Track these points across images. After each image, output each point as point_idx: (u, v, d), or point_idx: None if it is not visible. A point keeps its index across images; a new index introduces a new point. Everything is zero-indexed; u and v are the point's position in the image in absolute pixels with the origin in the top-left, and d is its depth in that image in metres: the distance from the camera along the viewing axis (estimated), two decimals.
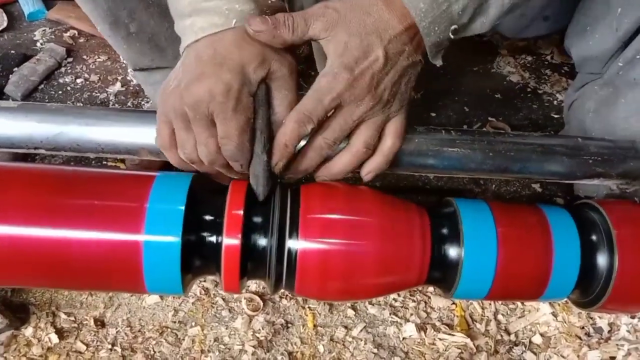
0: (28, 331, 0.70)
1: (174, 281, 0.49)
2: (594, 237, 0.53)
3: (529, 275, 0.51)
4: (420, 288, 0.77)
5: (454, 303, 0.76)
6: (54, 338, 0.69)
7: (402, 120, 0.53)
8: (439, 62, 0.53)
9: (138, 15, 0.67)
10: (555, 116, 0.97)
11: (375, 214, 0.50)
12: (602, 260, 0.52)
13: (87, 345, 0.69)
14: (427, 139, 0.57)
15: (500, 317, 0.74)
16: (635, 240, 0.52)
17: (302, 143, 0.50)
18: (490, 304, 0.75)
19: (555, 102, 1.00)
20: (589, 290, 0.54)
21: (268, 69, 0.48)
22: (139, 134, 0.55)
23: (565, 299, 0.55)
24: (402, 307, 0.76)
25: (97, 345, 0.69)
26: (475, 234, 0.50)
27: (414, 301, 0.77)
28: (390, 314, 0.75)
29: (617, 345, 0.71)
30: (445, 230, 0.51)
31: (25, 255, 0.47)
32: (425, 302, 0.77)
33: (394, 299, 0.77)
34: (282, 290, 0.75)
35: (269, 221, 0.49)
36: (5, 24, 1.07)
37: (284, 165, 0.50)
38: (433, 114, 0.96)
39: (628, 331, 0.72)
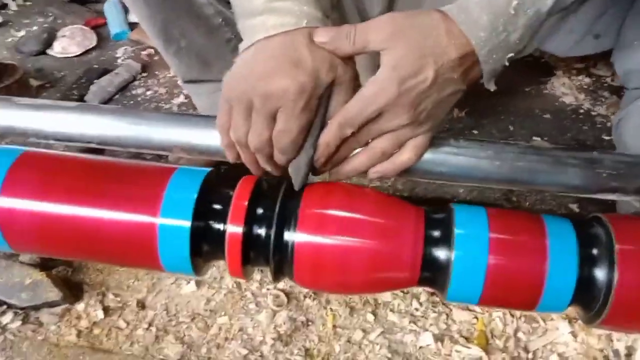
0: (80, 307, 0.79)
1: (185, 262, 0.55)
2: (594, 251, 0.52)
3: (520, 283, 0.51)
4: (442, 301, 0.78)
5: (475, 317, 0.76)
6: (100, 314, 0.77)
7: (426, 140, 0.55)
8: (492, 87, 0.55)
9: (188, 34, 0.76)
10: (606, 138, 0.94)
11: (371, 213, 0.53)
12: (601, 274, 0.51)
13: (128, 323, 0.77)
14: (435, 147, 0.59)
15: (520, 334, 0.73)
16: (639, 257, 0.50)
17: None
18: (512, 321, 0.74)
19: (608, 124, 0.97)
20: (590, 305, 0.53)
21: (335, 74, 0.51)
22: (172, 134, 0.63)
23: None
24: (422, 316, 0.77)
25: (136, 324, 0.77)
26: (467, 238, 0.52)
27: (435, 312, 0.77)
28: (409, 322, 0.76)
29: None
30: (437, 233, 0.53)
31: (63, 229, 0.55)
32: (447, 314, 0.77)
33: (415, 308, 0.78)
34: (307, 290, 0.79)
35: (272, 213, 0.54)
36: (94, 43, 1.22)
37: (324, 161, 0.54)
38: (475, 132, 0.96)
39: None
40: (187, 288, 0.82)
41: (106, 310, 0.79)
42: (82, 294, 0.81)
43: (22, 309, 0.77)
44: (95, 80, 1.09)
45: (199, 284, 0.82)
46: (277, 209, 0.54)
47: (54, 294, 0.76)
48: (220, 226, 0.54)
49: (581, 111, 1.00)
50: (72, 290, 0.80)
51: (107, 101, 1.07)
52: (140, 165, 0.59)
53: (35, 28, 1.32)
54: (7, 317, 0.76)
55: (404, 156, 0.54)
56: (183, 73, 0.82)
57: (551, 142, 0.93)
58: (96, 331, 0.76)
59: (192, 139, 0.63)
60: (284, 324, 0.76)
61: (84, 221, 0.54)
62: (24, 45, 1.23)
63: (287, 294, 0.79)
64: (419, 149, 0.55)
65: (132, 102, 1.08)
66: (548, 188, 0.59)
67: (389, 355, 0.73)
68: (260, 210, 0.54)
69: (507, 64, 0.52)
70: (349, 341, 0.75)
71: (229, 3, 0.58)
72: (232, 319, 0.78)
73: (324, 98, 0.53)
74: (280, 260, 0.54)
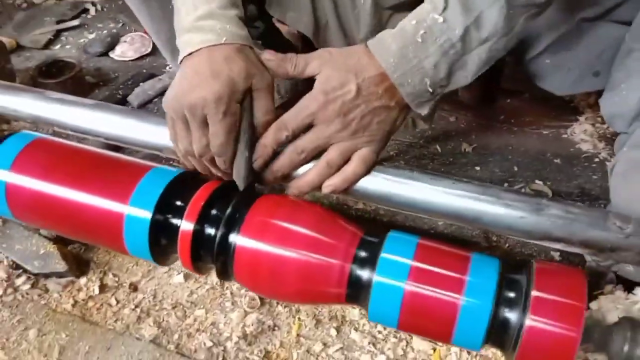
0: (82, 281, 0.88)
1: (145, 250, 0.62)
2: (511, 294, 0.53)
3: (435, 313, 0.53)
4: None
5: (434, 349, 0.77)
6: (96, 290, 0.87)
7: (370, 152, 0.60)
8: (423, 111, 0.61)
9: None
10: None
11: (308, 227, 0.58)
12: (514, 317, 0.52)
13: (118, 301, 0.86)
14: (388, 173, 0.62)
15: None
16: (552, 306, 0.51)
17: None
18: (467, 358, 0.75)
19: None
20: (504, 347, 0.54)
21: (251, 82, 0.59)
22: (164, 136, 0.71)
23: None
24: (383, 339, 0.79)
25: (124, 304, 0.85)
26: (389, 263, 0.55)
27: (396, 338, 0.79)
28: (369, 343, 0.79)
29: None
30: (365, 255, 0.56)
31: (52, 206, 0.64)
32: (407, 342, 0.79)
33: (378, 330, 0.80)
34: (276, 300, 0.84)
35: (222, 215, 0.60)
36: (149, 50, 1.35)
37: (262, 163, 0.61)
38: (477, 168, 0.97)
39: None
40: (176, 279, 0.89)
41: (103, 287, 0.88)
42: (88, 270, 0.91)
43: (34, 274, 0.87)
44: (141, 83, 1.22)
45: (187, 276, 0.89)
46: (227, 213, 0.59)
47: (61, 266, 0.86)
48: (177, 222, 0.61)
49: (596, 160, 0.97)
50: (80, 266, 0.90)
51: (147, 103, 1.19)
52: (126, 160, 0.68)
53: (104, 32, 1.48)
54: (21, 280, 0.87)
55: (350, 167, 0.60)
56: None
57: (553, 187, 0.92)
58: (90, 304, 0.85)
59: None
60: (252, 325, 0.81)
61: (69, 202, 0.63)
62: (90, 47, 1.39)
63: (261, 299, 0.85)
64: (364, 161, 0.60)
65: None
66: (492, 228, 0.60)
67: None
68: (213, 212, 0.61)
69: (431, 90, 0.57)
70: (308, 351, 0.79)
71: None
72: (208, 312, 0.84)
73: (246, 104, 0.59)
74: (224, 260, 0.59)
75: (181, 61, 0.61)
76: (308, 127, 0.59)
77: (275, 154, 0.61)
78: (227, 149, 0.59)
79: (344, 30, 0.81)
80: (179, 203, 0.62)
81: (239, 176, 0.60)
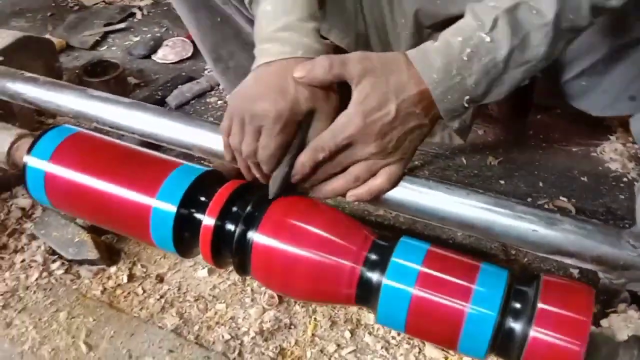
0: (112, 269, 0.93)
1: (169, 242, 0.65)
2: (518, 305, 0.54)
3: (441, 319, 0.54)
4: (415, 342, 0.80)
5: (446, 357, 0.78)
6: (125, 279, 0.91)
7: (398, 169, 0.61)
8: (454, 125, 0.61)
9: (236, 56, 0.88)
10: None
11: (322, 228, 0.60)
12: (518, 329, 0.52)
13: (144, 291, 0.90)
14: (405, 181, 0.64)
15: None
16: (557, 319, 0.51)
17: None
18: None
19: None
20: (508, 357, 0.54)
21: (314, 105, 0.60)
22: (191, 136, 0.75)
23: None
24: (396, 345, 0.80)
25: (150, 294, 0.89)
26: (399, 267, 0.56)
27: (409, 344, 0.80)
28: (382, 347, 0.80)
29: None
30: (377, 258, 0.58)
31: (86, 197, 0.68)
32: (420, 349, 0.80)
33: (392, 336, 0.81)
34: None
35: (243, 213, 0.63)
36: (190, 54, 1.41)
37: (299, 180, 0.62)
38: (501, 182, 0.97)
39: None
40: (200, 273, 0.93)
41: (131, 276, 0.92)
42: (119, 259, 0.96)
43: (68, 261, 0.93)
44: (179, 85, 1.27)
45: (211, 271, 0.92)
46: (247, 210, 0.62)
47: (93, 254, 0.91)
48: (200, 217, 0.64)
49: (624, 180, 0.96)
50: (111, 255, 0.95)
51: (184, 104, 1.24)
52: (156, 156, 0.71)
53: (149, 35, 1.55)
54: (56, 265, 0.93)
55: (377, 181, 0.61)
56: (229, 89, 0.94)
57: (579, 205, 0.91)
58: (118, 292, 0.90)
59: (205, 143, 0.74)
60: (269, 321, 0.84)
61: (102, 192, 0.67)
62: (135, 49, 1.46)
63: (280, 297, 0.87)
64: (391, 177, 0.61)
65: (203, 107, 1.23)
66: (504, 240, 0.61)
67: None
68: (234, 209, 0.63)
69: (466, 105, 0.57)
70: (321, 351, 0.81)
71: None
72: (228, 307, 0.87)
73: (304, 123, 0.61)
74: (242, 255, 0.62)
75: (252, 71, 0.63)
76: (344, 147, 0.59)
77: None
78: (272, 161, 0.60)
79: (385, 48, 0.82)
80: (202, 199, 0.65)
81: (273, 186, 0.62)
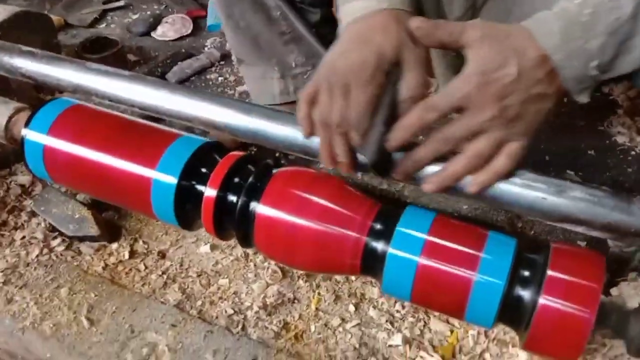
0: (114, 246, 0.92)
1: (170, 214, 0.64)
2: (526, 273, 0.53)
3: (448, 288, 0.54)
4: (421, 309, 0.79)
5: (451, 330, 0.77)
6: (127, 255, 0.90)
7: (520, 148, 0.55)
8: (583, 99, 0.55)
9: (248, 17, 0.86)
10: None
11: (326, 198, 0.59)
12: (527, 297, 0.52)
13: (146, 267, 0.89)
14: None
15: (487, 355, 0.73)
16: (567, 287, 0.50)
17: None
18: (484, 342, 0.74)
19: None
20: (516, 326, 0.54)
21: (400, 53, 0.55)
22: (191, 107, 0.73)
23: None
24: (401, 319, 0.80)
25: (152, 270, 0.89)
26: (404, 236, 0.55)
27: (414, 318, 0.79)
28: (386, 321, 0.79)
29: None
30: (381, 227, 0.57)
31: (85, 169, 0.67)
32: (425, 322, 0.79)
33: (397, 310, 0.81)
34: (299, 272, 0.85)
35: (245, 184, 0.62)
36: (189, 31, 1.39)
37: (396, 145, 0.54)
38: None
39: None
40: (203, 249, 0.92)
41: (133, 253, 0.91)
42: (120, 236, 0.95)
43: (69, 237, 0.92)
44: (179, 62, 1.25)
45: (213, 247, 0.91)
46: (249, 181, 0.61)
47: (94, 230, 0.90)
48: (201, 188, 0.63)
49: (632, 153, 0.94)
50: (112, 232, 0.94)
51: (184, 80, 1.22)
52: (156, 127, 0.70)
53: (148, 13, 1.53)
54: (56, 242, 0.92)
55: (500, 161, 0.54)
56: (236, 50, 0.93)
57: (586, 178, 0.90)
58: (119, 268, 0.89)
59: (207, 114, 0.72)
60: (273, 296, 0.83)
61: (101, 165, 0.66)
62: (134, 26, 1.44)
63: (283, 272, 0.86)
64: (514, 156, 0.54)
65: (204, 84, 1.22)
66: (512, 208, 0.60)
67: (357, 346, 0.77)
68: (236, 180, 0.62)
69: (595, 73, 0.51)
70: (325, 325, 0.80)
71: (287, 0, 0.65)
72: (231, 282, 0.86)
73: (393, 77, 0.55)
74: (245, 227, 0.61)
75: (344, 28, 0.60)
76: (457, 112, 0.53)
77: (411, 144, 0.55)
78: (364, 120, 0.55)
79: (438, 13, 0.78)
80: (203, 170, 0.64)
81: (366, 151, 0.55)
